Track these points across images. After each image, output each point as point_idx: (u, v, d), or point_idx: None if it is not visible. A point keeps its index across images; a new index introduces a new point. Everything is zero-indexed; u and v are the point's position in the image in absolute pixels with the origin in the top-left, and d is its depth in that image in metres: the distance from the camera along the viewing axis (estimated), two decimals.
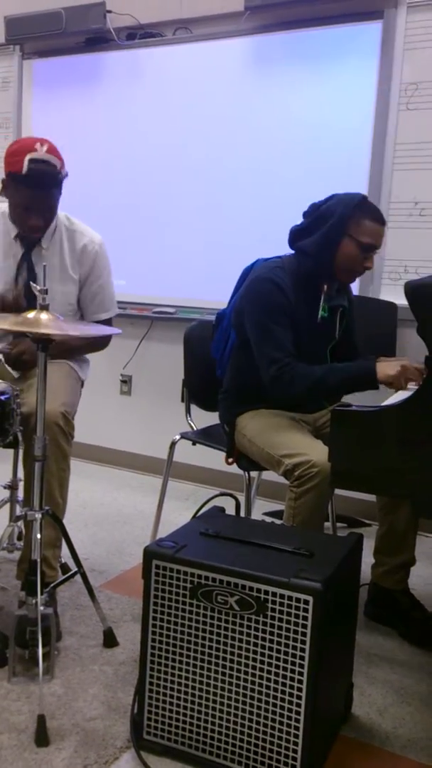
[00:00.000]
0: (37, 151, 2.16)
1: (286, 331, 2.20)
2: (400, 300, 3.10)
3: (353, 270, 2.26)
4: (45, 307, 1.85)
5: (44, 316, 1.83)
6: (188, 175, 3.64)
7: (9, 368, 2.31)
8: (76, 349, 2.49)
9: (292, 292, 2.22)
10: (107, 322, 2.51)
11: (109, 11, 3.69)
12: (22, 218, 2.28)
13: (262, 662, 1.54)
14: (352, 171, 3.22)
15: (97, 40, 3.80)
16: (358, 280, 3.19)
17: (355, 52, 3.19)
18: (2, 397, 2.00)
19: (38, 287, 1.87)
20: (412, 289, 1.69)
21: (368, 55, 3.16)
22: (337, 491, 2.53)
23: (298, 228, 2.28)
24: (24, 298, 2.32)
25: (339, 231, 2.19)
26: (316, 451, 2.06)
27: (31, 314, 1.84)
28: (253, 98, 3.45)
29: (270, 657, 1.53)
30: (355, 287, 2.67)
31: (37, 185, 2.19)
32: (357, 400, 2.31)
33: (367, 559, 2.15)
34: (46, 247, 2.36)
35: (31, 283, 1.97)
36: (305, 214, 2.28)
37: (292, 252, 2.30)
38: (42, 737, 1.68)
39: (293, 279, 2.23)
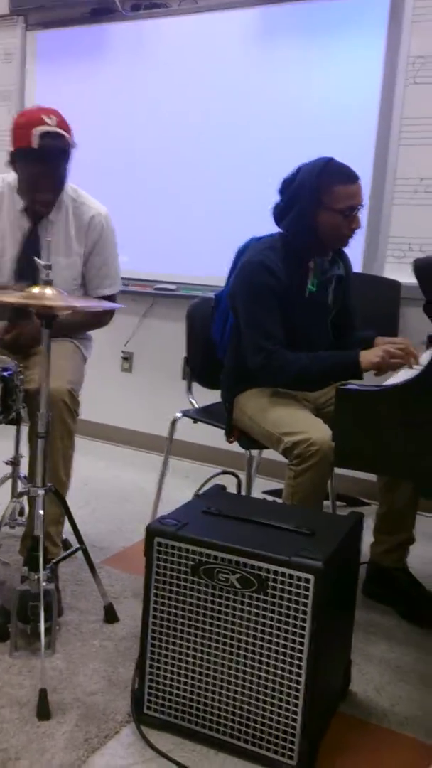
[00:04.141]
0: (47, 124, 2.10)
1: (275, 317, 2.18)
2: (404, 278, 3.08)
3: (341, 236, 2.21)
4: (49, 282, 1.83)
5: (48, 291, 1.82)
6: (192, 150, 3.60)
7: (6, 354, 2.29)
8: (77, 326, 2.46)
9: (284, 271, 2.20)
10: (111, 297, 2.47)
11: None
12: (32, 192, 2.24)
13: (262, 639, 1.55)
14: (357, 145, 3.17)
15: (102, 11, 3.74)
16: (360, 257, 3.20)
17: (363, 24, 3.14)
18: (5, 373, 1.99)
19: (42, 262, 1.85)
20: (421, 266, 1.67)
21: (376, 28, 3.11)
22: (337, 470, 2.54)
23: (277, 206, 2.25)
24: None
25: (312, 205, 2.16)
26: (316, 430, 2.06)
27: (35, 289, 1.83)
28: (258, 70, 3.40)
29: (270, 634, 1.54)
30: (357, 265, 2.65)
31: (48, 159, 2.15)
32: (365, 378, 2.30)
33: (367, 539, 2.15)
34: (54, 220, 2.34)
35: (35, 258, 1.95)
36: (280, 192, 2.25)
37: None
38: (43, 711, 1.69)
39: (284, 258, 2.21)
